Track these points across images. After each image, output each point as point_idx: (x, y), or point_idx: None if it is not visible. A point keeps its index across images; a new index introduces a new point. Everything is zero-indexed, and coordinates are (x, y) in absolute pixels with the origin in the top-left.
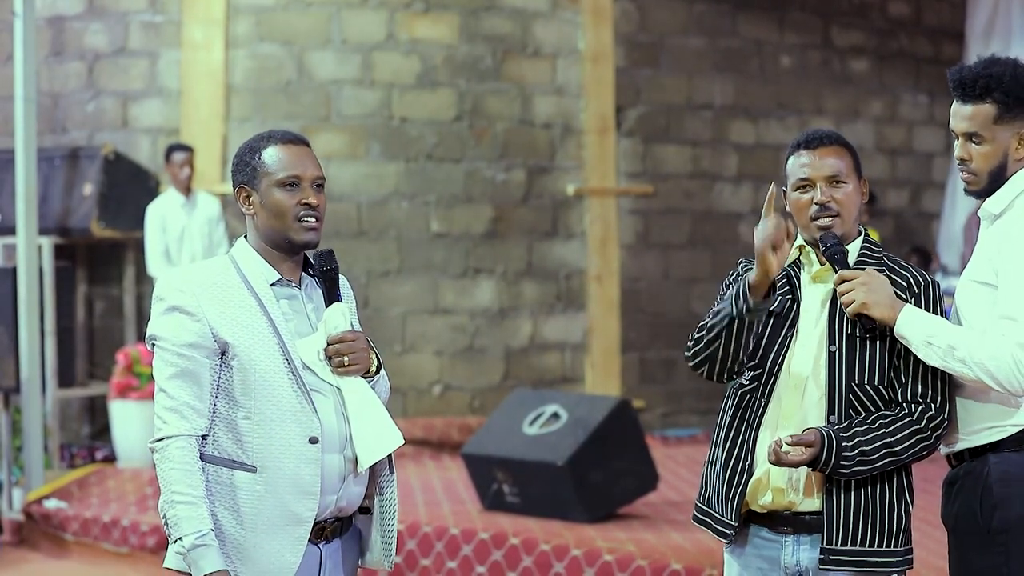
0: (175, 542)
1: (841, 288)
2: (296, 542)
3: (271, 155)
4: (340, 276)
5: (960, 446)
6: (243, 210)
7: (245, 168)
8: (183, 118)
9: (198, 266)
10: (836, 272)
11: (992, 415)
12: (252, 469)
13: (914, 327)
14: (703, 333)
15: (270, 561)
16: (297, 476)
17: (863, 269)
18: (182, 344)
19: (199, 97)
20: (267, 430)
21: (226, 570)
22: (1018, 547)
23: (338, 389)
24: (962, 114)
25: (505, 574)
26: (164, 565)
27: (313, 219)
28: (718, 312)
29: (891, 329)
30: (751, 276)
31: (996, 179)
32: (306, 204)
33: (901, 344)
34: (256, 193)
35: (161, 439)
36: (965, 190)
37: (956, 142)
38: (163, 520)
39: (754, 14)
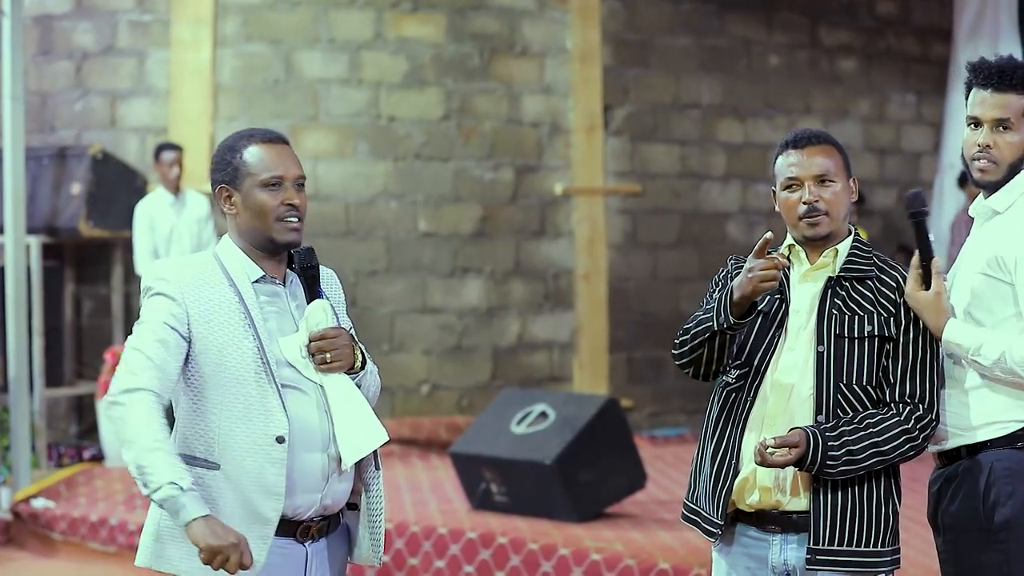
0: (153, 492)
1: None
2: (260, 541)
3: (253, 155)
4: (330, 272)
5: (956, 443)
6: (224, 210)
7: (226, 168)
8: (171, 117)
9: (183, 260)
10: (919, 253)
11: (994, 412)
12: (215, 466)
13: (959, 347)
14: (687, 338)
15: None
16: (260, 475)
17: (868, 269)
18: (164, 321)
19: (187, 96)
20: (231, 427)
21: (210, 514)
22: (1019, 544)
23: (321, 387)
24: (993, 102)
25: (493, 573)
26: (136, 563)
27: (295, 219)
28: (701, 322)
29: (891, 332)
30: (734, 294)
31: (1012, 171)
32: (289, 204)
33: (890, 344)
34: (238, 193)
35: (129, 389)
36: (978, 180)
37: (976, 130)
38: (136, 471)
39: (742, 13)
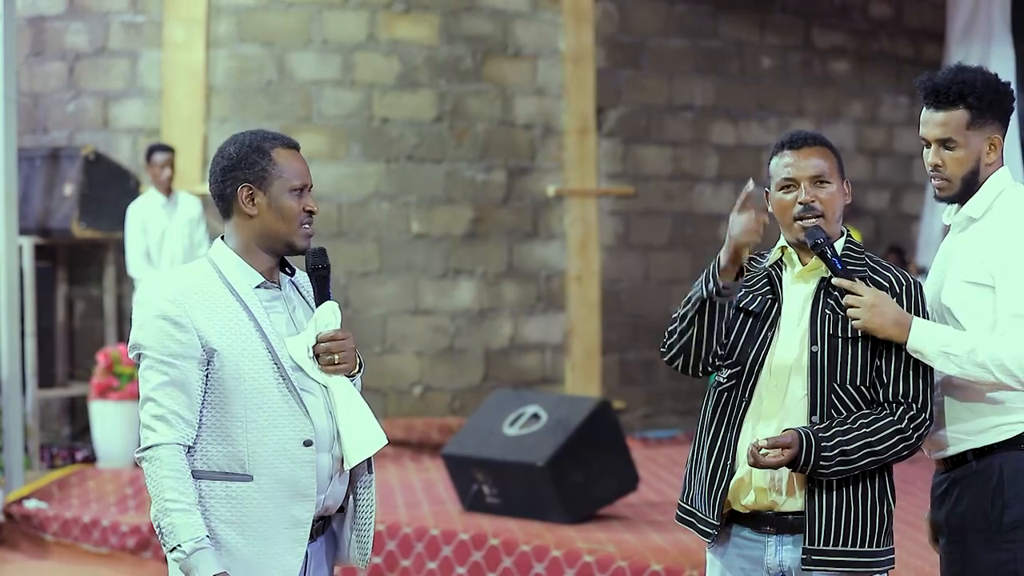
0: (172, 551)
1: (847, 301)
2: (296, 545)
3: (283, 159)
4: (304, 273)
5: (963, 447)
6: (244, 209)
7: (253, 167)
8: (164, 118)
9: (180, 272)
10: (831, 271)
11: (999, 413)
12: (247, 478)
13: (927, 340)
14: (675, 325)
15: (271, 566)
16: (293, 479)
17: (861, 269)
18: (170, 354)
19: (180, 97)
20: (259, 436)
21: (225, 573)
22: None
23: (325, 388)
24: (935, 121)
25: (485, 575)
26: None
27: (311, 225)
28: (689, 298)
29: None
30: (721, 259)
31: (969, 184)
32: (310, 211)
33: (883, 344)
34: (263, 194)
35: (150, 447)
36: (936, 196)
37: (927, 149)
38: (158, 529)
39: (735, 15)
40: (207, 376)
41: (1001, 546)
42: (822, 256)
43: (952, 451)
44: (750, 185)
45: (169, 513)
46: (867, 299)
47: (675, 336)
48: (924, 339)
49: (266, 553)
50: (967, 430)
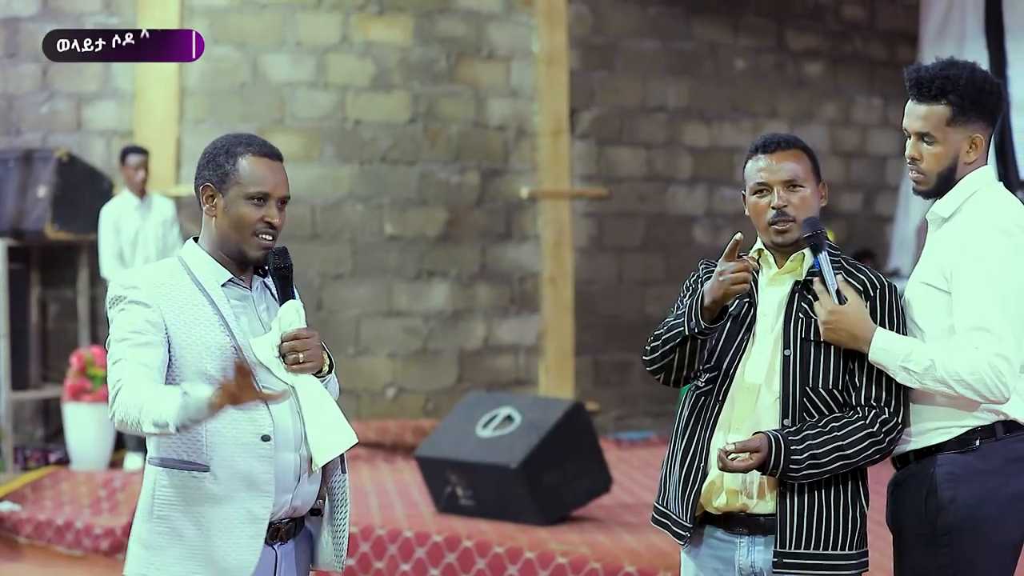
0: (176, 428)
1: (816, 308)
2: (252, 540)
3: (247, 165)
4: None
5: (906, 448)
6: (203, 208)
7: (217, 169)
8: (137, 120)
9: (148, 267)
10: (817, 269)
11: (939, 416)
12: (205, 468)
13: (886, 355)
14: (658, 343)
15: (228, 560)
16: (250, 474)
17: (836, 271)
18: (136, 329)
19: (153, 99)
20: (218, 427)
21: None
22: (962, 548)
23: (292, 387)
24: (916, 113)
25: None
26: (126, 573)
27: (270, 238)
28: (672, 328)
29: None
30: (705, 298)
31: (945, 181)
32: (268, 223)
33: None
34: (222, 197)
35: (116, 391)
36: (914, 189)
37: (908, 141)
38: (151, 432)
39: (708, 17)
40: (169, 362)
41: (938, 551)
42: (814, 249)
43: (897, 451)
44: (739, 235)
45: (148, 409)
46: (824, 316)
47: (656, 355)
48: (884, 354)
49: (221, 546)
50: (912, 431)
